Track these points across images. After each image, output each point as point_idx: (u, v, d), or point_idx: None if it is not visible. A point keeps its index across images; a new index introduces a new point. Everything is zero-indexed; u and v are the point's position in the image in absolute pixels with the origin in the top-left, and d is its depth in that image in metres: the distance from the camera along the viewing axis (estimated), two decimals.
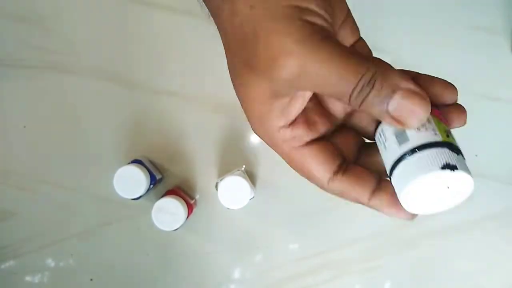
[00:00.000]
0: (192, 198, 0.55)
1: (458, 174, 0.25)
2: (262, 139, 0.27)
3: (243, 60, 0.25)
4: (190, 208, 0.52)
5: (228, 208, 0.50)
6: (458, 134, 0.57)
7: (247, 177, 0.52)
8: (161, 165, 0.55)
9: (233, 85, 0.27)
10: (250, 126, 0.27)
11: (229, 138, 0.54)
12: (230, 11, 0.24)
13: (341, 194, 0.27)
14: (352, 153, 0.28)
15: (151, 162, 0.54)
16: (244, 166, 0.55)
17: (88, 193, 0.55)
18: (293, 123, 0.26)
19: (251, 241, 0.56)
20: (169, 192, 0.53)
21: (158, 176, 0.52)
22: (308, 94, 0.26)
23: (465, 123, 0.29)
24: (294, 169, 0.27)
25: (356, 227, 0.55)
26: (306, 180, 0.27)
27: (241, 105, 0.27)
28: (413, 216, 0.26)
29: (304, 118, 0.27)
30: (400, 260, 0.56)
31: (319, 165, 0.26)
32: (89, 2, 0.54)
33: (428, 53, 0.54)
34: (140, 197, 0.50)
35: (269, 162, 0.54)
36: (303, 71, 0.23)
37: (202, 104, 0.54)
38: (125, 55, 0.54)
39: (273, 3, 0.23)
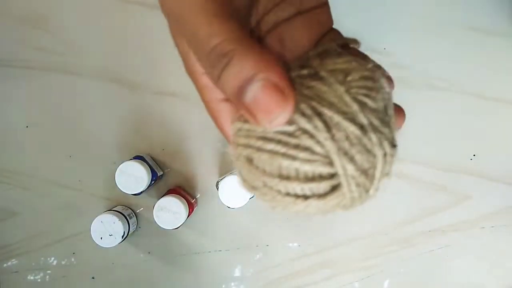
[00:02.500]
0: (193, 197, 0.55)
1: None
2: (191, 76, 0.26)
3: None
4: (191, 207, 0.52)
5: (229, 207, 0.50)
6: (458, 134, 0.58)
7: None
8: (162, 163, 0.55)
9: None
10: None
11: None
12: None
13: None
14: None
15: (152, 158, 0.54)
16: None
17: (89, 192, 0.55)
18: None
19: (251, 239, 0.56)
20: (170, 191, 0.53)
21: (159, 173, 0.53)
22: None
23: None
24: (211, 118, 0.26)
25: (355, 226, 0.55)
26: None
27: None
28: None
29: None
30: (399, 259, 0.56)
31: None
32: (90, 3, 0.54)
33: (427, 54, 0.54)
34: (141, 192, 0.51)
35: None
36: (180, 14, 0.21)
37: (202, 104, 0.54)
38: (126, 56, 0.55)
39: None
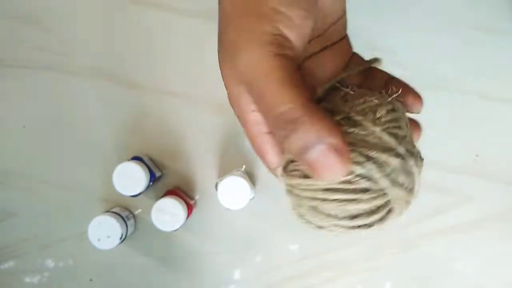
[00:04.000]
0: (192, 199, 0.54)
1: None
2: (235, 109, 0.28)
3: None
4: (189, 208, 0.52)
5: (228, 209, 0.50)
6: (460, 134, 0.58)
7: (247, 178, 0.52)
8: (161, 164, 0.55)
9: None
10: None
11: (229, 138, 0.54)
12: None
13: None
14: None
15: (151, 159, 0.54)
16: (244, 166, 0.55)
17: (88, 193, 0.55)
18: None
19: (251, 241, 0.55)
20: (169, 193, 0.53)
21: (157, 174, 0.52)
22: None
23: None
24: (254, 150, 0.28)
25: None
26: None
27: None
28: None
29: None
30: (401, 260, 0.55)
31: (275, 154, 0.28)
32: (89, 2, 0.54)
33: (429, 53, 0.53)
34: (139, 194, 0.50)
35: None
36: (248, 80, 0.24)
37: (202, 104, 0.54)
38: (125, 55, 0.54)
39: (252, 28, 0.24)
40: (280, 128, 0.23)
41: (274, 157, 0.28)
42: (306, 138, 0.22)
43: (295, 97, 0.23)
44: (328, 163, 0.22)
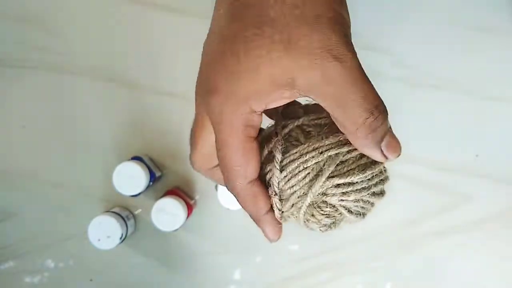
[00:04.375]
0: (192, 199, 0.54)
1: None
2: (218, 114, 0.27)
3: (278, 27, 0.24)
4: (189, 208, 0.52)
5: (228, 209, 0.50)
6: (460, 134, 0.58)
7: None
8: (161, 164, 0.55)
9: (229, 42, 0.26)
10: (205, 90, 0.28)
11: None
12: None
13: (247, 198, 0.28)
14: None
15: (151, 159, 0.54)
16: None
17: (88, 193, 0.55)
18: (262, 112, 0.26)
19: (251, 242, 0.55)
20: (169, 193, 0.53)
21: (157, 174, 0.52)
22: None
23: None
24: (224, 157, 0.27)
25: (355, 228, 0.55)
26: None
27: (221, 68, 0.27)
28: (277, 237, 0.31)
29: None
30: (401, 260, 0.55)
31: (256, 162, 0.27)
32: (89, 2, 0.54)
33: (429, 53, 0.53)
34: (139, 194, 0.50)
35: None
36: (336, 80, 0.24)
37: None
38: (125, 55, 0.54)
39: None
40: (373, 119, 0.24)
41: (254, 167, 0.27)
42: (386, 126, 0.25)
43: (376, 92, 0.25)
44: (395, 144, 0.26)
